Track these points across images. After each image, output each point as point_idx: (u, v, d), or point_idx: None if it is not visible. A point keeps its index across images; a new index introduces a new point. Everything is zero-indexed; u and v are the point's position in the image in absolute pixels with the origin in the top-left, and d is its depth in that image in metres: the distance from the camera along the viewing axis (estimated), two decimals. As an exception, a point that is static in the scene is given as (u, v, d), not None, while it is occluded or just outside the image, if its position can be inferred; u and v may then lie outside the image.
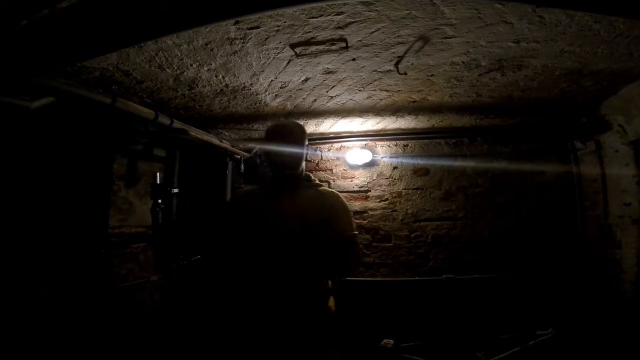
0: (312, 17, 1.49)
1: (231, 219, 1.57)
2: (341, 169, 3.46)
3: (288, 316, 1.29)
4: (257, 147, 3.41)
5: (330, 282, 1.54)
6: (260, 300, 1.33)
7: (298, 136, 1.54)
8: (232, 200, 1.84)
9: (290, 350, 1.27)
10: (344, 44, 1.72)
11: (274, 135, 1.54)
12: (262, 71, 2.03)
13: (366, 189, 3.39)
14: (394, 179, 3.38)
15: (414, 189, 3.35)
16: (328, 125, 3.13)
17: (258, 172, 3.48)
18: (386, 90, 2.37)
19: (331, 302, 1.49)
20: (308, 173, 1.64)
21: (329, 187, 2.47)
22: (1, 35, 1.12)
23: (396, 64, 1.96)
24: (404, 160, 3.38)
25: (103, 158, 2.36)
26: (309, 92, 2.38)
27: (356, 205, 3.38)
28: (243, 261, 1.45)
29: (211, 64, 1.90)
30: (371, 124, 3.11)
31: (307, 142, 1.59)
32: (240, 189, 1.78)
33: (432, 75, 2.13)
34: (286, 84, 2.23)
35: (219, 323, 2.50)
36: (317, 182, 1.64)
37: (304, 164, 1.59)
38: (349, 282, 3.08)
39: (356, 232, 1.57)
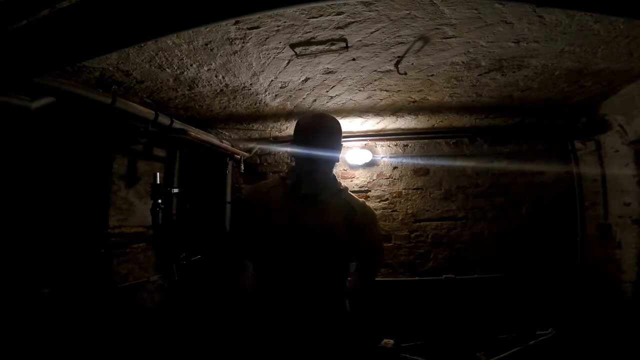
0: (312, 17, 1.49)
1: (246, 217, 1.41)
2: (341, 169, 3.45)
3: (296, 318, 1.26)
4: (258, 147, 3.41)
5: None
6: (271, 301, 1.30)
7: (330, 135, 1.28)
8: (248, 196, 1.59)
9: (299, 351, 1.25)
10: (344, 44, 1.72)
11: (301, 131, 1.30)
12: (262, 71, 2.03)
13: (366, 189, 3.39)
14: (394, 179, 3.38)
15: (414, 189, 3.35)
16: (328, 125, 3.12)
17: (258, 172, 3.48)
18: (386, 90, 2.37)
19: (347, 305, 1.40)
20: (335, 176, 1.42)
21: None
22: (1, 35, 1.12)
23: (396, 64, 1.96)
24: (404, 160, 3.37)
25: (103, 158, 2.36)
26: (309, 92, 2.38)
27: (356, 205, 3.37)
28: (257, 262, 1.39)
29: (211, 64, 1.90)
30: (371, 124, 3.11)
31: (340, 142, 1.34)
32: (258, 184, 1.55)
33: (432, 75, 2.13)
34: (286, 84, 2.23)
35: (227, 325, 2.46)
36: (345, 187, 1.43)
37: (335, 168, 1.37)
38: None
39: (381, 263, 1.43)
